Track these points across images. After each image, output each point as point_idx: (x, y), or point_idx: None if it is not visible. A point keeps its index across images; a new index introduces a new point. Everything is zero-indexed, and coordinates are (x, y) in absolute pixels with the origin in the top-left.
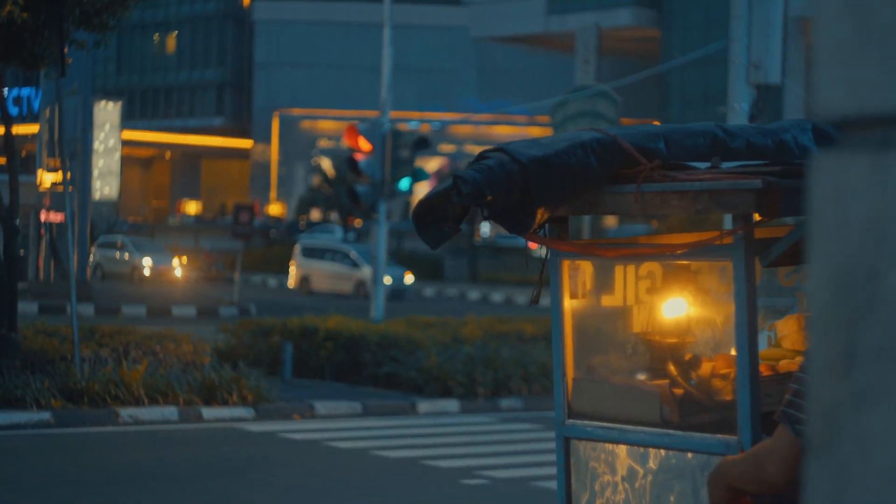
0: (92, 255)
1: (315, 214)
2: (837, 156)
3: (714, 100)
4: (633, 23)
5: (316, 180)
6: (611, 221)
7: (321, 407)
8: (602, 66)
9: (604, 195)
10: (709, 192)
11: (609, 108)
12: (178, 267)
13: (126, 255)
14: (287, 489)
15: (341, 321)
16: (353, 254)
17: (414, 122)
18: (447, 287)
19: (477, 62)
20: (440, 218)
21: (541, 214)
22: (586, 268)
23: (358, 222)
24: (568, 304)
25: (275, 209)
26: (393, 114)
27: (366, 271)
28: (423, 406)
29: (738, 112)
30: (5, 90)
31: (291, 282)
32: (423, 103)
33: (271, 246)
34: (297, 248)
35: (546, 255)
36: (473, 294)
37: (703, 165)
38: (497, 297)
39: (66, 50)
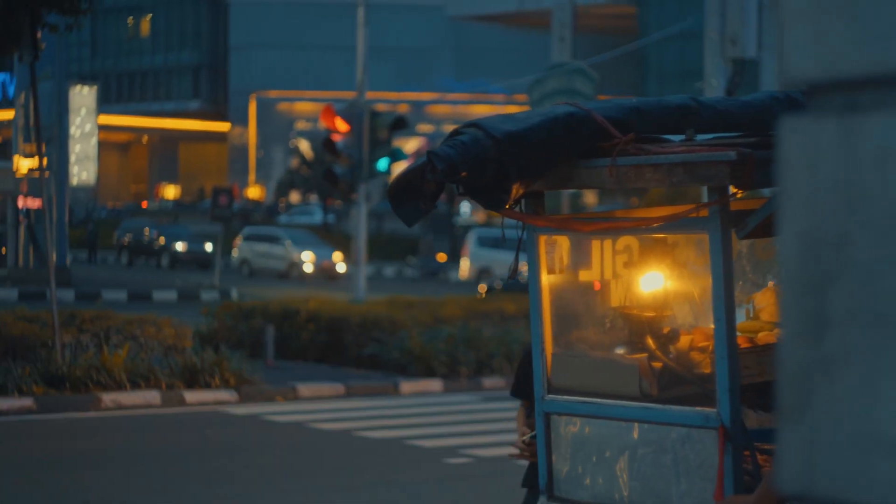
0: (236, 249)
1: (294, 197)
2: (806, 120)
3: (691, 75)
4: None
5: (294, 162)
6: (591, 199)
7: (304, 389)
8: (578, 43)
9: (578, 169)
10: (683, 165)
11: (586, 85)
12: (340, 261)
13: (282, 250)
14: (271, 471)
15: (323, 303)
16: None
17: (391, 101)
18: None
19: (453, 41)
20: (416, 195)
21: (515, 190)
22: (563, 243)
23: (335, 202)
24: (545, 279)
25: (253, 192)
26: (370, 94)
27: None
28: (406, 386)
29: (714, 87)
30: None
31: (463, 273)
32: (400, 84)
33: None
34: (472, 238)
35: (522, 231)
36: (455, 274)
37: (677, 138)
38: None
39: (38, 34)
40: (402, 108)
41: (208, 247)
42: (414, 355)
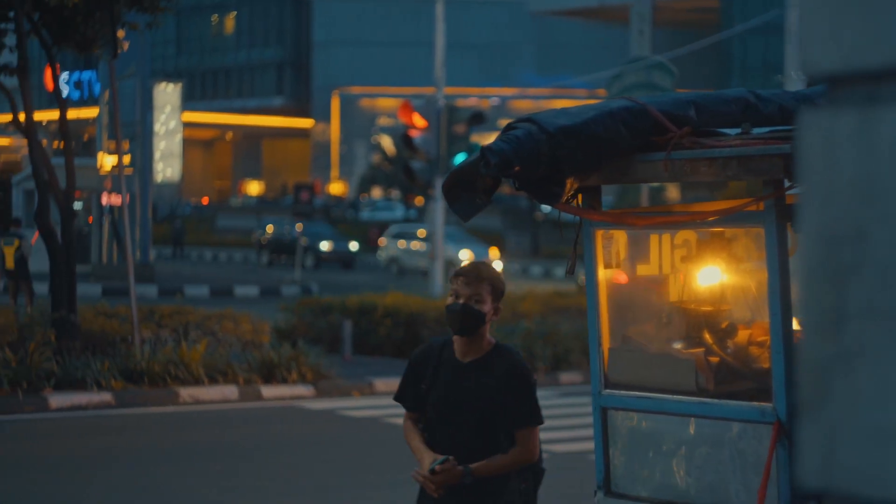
0: (383, 247)
1: (376, 192)
2: (824, 113)
3: (775, 69)
4: None
5: (376, 158)
6: (673, 194)
7: (380, 383)
8: (659, 37)
9: (634, 163)
10: (738, 159)
11: (665, 79)
12: (496, 259)
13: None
14: (343, 465)
15: (400, 298)
16: None
17: (471, 97)
18: (509, 262)
19: (535, 36)
20: (472, 190)
21: (570, 184)
22: (620, 237)
23: (419, 200)
24: (602, 273)
25: (336, 188)
26: (452, 90)
27: None
28: None
29: (796, 80)
30: (65, 74)
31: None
32: (482, 79)
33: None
34: None
35: (579, 225)
36: (535, 269)
37: (734, 132)
38: (559, 271)
39: (119, 32)
40: (485, 104)
41: (353, 246)
42: None
